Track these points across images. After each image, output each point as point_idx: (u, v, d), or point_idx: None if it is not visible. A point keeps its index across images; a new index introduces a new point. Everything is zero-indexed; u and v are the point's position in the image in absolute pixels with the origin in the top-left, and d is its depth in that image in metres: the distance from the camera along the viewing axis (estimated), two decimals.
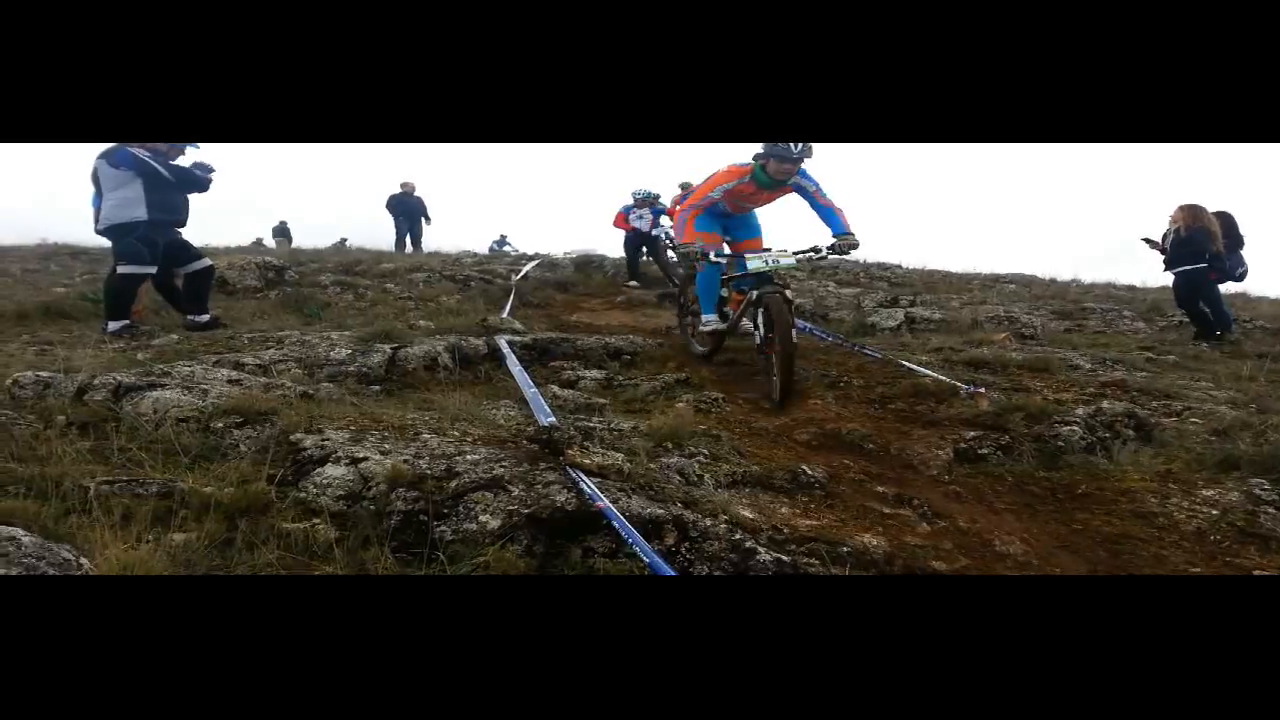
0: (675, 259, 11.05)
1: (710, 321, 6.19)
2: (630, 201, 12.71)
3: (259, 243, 20.89)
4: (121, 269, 6.57)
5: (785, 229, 7.20)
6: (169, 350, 5.56)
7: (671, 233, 10.91)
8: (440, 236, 23.14)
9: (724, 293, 6.23)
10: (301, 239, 21.72)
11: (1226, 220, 8.54)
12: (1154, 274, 9.77)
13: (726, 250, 6.10)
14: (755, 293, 5.55)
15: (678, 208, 7.04)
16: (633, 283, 12.33)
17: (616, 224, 12.92)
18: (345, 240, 20.21)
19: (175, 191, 6.74)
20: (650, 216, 12.56)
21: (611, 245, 15.46)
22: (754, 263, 5.51)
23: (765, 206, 6.38)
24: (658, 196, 12.66)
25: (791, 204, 6.10)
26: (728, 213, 6.26)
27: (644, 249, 12.99)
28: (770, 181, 5.79)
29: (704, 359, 6.34)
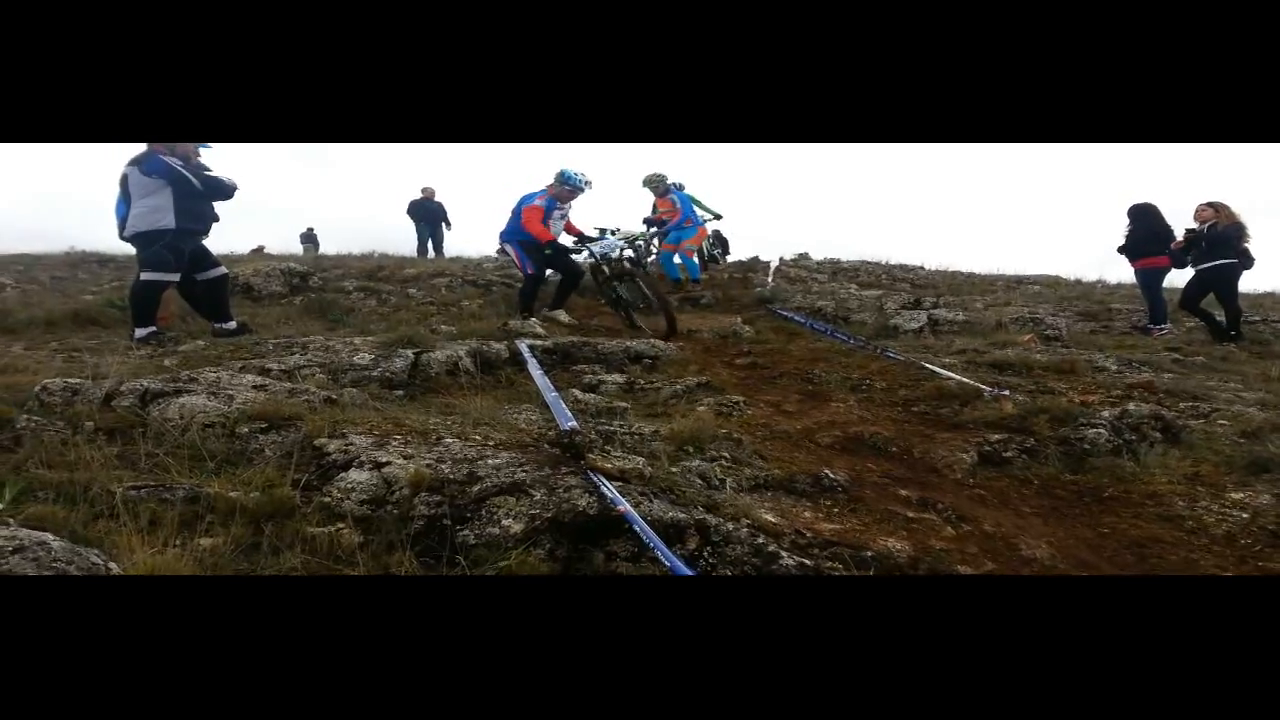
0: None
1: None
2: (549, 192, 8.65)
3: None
4: (145, 275, 6.61)
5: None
6: (195, 356, 5.62)
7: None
8: (462, 241, 23.27)
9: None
10: (328, 244, 21.91)
11: None
12: (1180, 275, 9.68)
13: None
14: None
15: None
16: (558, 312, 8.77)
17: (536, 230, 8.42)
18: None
19: (204, 201, 6.76)
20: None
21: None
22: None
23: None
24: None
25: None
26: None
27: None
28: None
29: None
